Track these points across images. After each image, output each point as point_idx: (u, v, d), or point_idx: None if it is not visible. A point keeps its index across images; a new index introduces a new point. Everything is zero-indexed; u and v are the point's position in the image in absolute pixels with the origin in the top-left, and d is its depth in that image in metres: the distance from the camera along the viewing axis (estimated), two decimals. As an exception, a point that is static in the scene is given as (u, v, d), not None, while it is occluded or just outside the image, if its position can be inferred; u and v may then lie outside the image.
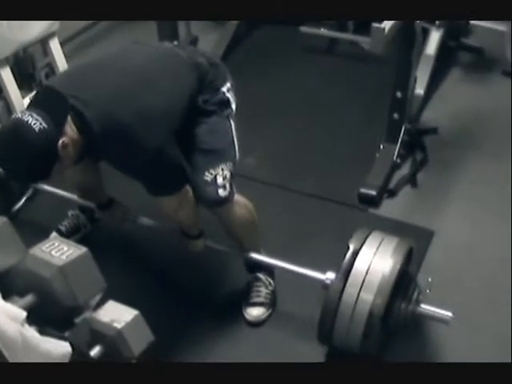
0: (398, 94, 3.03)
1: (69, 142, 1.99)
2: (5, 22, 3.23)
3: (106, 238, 2.89)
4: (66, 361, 1.61)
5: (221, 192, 2.28)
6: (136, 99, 2.10)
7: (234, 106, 2.39)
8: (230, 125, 2.37)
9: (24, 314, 1.60)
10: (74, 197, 2.78)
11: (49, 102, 2.05)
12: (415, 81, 3.17)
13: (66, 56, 3.73)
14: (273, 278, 2.59)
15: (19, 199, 3.08)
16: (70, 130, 2.01)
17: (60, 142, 1.97)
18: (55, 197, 2.85)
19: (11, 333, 1.52)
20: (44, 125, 1.93)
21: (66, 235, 2.77)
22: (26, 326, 1.59)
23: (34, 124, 1.92)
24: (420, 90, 3.40)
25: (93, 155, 2.27)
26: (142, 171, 2.17)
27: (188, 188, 2.29)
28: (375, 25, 2.61)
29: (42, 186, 2.89)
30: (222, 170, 2.29)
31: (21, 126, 1.94)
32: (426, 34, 3.61)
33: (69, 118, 2.01)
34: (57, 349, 1.60)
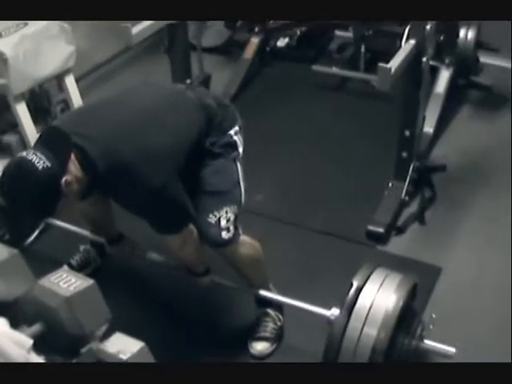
0: (406, 133, 3.07)
1: (72, 180, 2.04)
2: (21, 58, 3.32)
3: (116, 272, 2.91)
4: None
5: (224, 234, 2.30)
6: (140, 137, 2.13)
7: (241, 149, 2.42)
8: (237, 167, 2.40)
9: (30, 341, 1.62)
10: (85, 232, 2.81)
11: (52, 141, 2.10)
12: (424, 119, 3.21)
13: (80, 92, 3.81)
14: (282, 314, 2.61)
15: (32, 233, 3.12)
16: (74, 167, 2.05)
17: (63, 179, 2.01)
18: (67, 231, 2.88)
19: (17, 359, 1.55)
20: (47, 163, 1.98)
21: (77, 269, 2.80)
22: (33, 353, 1.62)
23: (38, 162, 1.97)
24: (429, 129, 3.43)
25: (99, 190, 2.30)
26: (146, 209, 2.19)
27: (192, 227, 2.32)
28: (382, 64, 2.66)
29: (54, 221, 2.92)
30: (226, 212, 2.31)
31: (25, 165, 1.99)
32: (435, 72, 3.65)
33: (73, 155, 2.05)
34: (62, 377, 1.62)
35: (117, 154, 2.08)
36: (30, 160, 1.98)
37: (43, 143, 2.09)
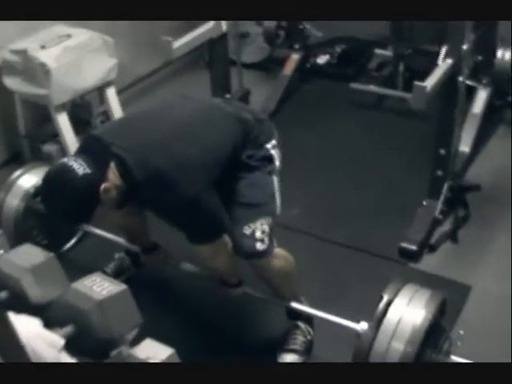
0: (441, 151, 3.07)
1: (111, 187, 2.09)
2: (63, 70, 3.40)
3: (149, 281, 2.96)
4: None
5: (258, 245, 2.32)
6: (176, 148, 2.19)
7: (277, 163, 2.45)
8: (272, 180, 2.42)
9: (62, 341, 1.68)
10: (121, 240, 2.87)
11: (92, 149, 2.17)
12: (459, 138, 3.21)
13: (121, 104, 3.88)
14: (312, 327, 2.62)
15: (69, 239, 3.19)
16: (113, 175, 2.11)
17: (102, 186, 2.07)
18: (103, 239, 2.94)
19: (49, 358, 1.61)
20: (87, 170, 2.04)
21: (111, 277, 2.84)
22: (63, 353, 1.66)
23: (78, 169, 2.03)
24: (465, 148, 3.43)
25: (134, 201, 2.34)
26: (179, 218, 2.24)
27: (225, 238, 2.35)
28: (417, 82, 2.68)
29: (91, 229, 2.99)
30: (261, 224, 2.33)
31: (66, 170, 2.06)
32: (472, 92, 3.65)
33: (112, 164, 2.11)
34: (91, 378, 1.66)
35: (153, 163, 2.13)
36: (71, 166, 2.04)
37: (84, 151, 2.15)
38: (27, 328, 1.66)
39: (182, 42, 3.40)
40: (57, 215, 2.22)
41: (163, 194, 2.15)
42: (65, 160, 2.12)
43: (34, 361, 1.57)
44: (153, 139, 2.19)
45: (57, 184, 2.10)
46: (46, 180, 2.16)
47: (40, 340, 1.63)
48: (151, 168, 2.12)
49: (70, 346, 1.74)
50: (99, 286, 1.87)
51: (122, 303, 1.87)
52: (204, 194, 2.19)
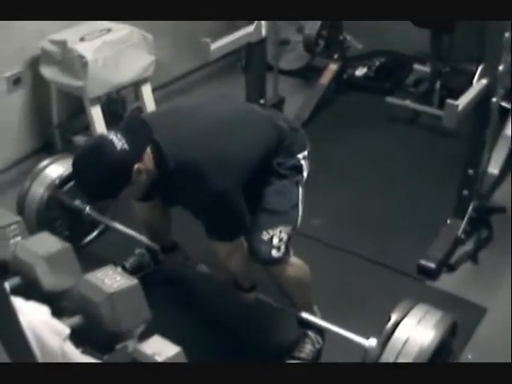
0: (470, 171, 3.04)
1: (143, 169, 2.11)
2: (100, 63, 3.44)
3: (167, 279, 2.98)
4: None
5: (274, 252, 2.33)
6: (212, 143, 2.21)
7: (305, 174, 2.46)
8: (298, 191, 2.44)
9: (67, 330, 1.70)
10: (142, 237, 2.88)
11: (134, 128, 2.20)
12: (489, 160, 3.19)
13: (155, 102, 3.91)
14: (322, 337, 2.62)
15: (91, 232, 3.22)
16: (148, 159, 2.14)
17: (136, 166, 2.08)
18: (125, 235, 2.96)
19: (52, 345, 1.63)
20: (126, 146, 2.06)
21: (130, 272, 2.87)
22: (68, 342, 1.68)
23: (117, 143, 2.05)
24: (494, 170, 3.39)
25: (162, 190, 2.35)
26: (204, 212, 2.26)
27: (243, 241, 2.37)
28: (450, 100, 2.67)
29: (113, 224, 3.02)
30: (280, 231, 2.34)
31: (104, 142, 2.08)
32: (505, 113, 3.61)
33: (149, 149, 2.14)
34: (93, 369, 1.68)
35: (189, 154, 2.16)
36: (111, 139, 2.07)
37: (125, 129, 2.17)
38: (34, 314, 1.69)
39: (220, 44, 3.40)
40: (86, 185, 2.18)
41: (193, 186, 2.17)
42: (105, 133, 2.15)
43: (37, 348, 1.60)
44: (192, 132, 2.23)
45: (93, 153, 2.11)
46: (83, 149, 2.18)
47: (45, 327, 1.65)
48: (187, 159, 2.15)
49: (76, 336, 1.77)
50: (111, 280, 1.89)
51: (132, 298, 1.89)
52: (232, 192, 2.21)
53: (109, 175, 2.08)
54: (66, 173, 2.95)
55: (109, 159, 2.06)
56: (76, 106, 3.79)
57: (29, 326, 1.61)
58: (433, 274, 2.99)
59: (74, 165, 2.17)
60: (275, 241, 2.33)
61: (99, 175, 2.08)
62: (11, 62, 3.58)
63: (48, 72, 3.62)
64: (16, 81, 3.65)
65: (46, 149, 3.85)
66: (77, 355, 1.67)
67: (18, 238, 2.17)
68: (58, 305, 1.91)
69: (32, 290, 1.94)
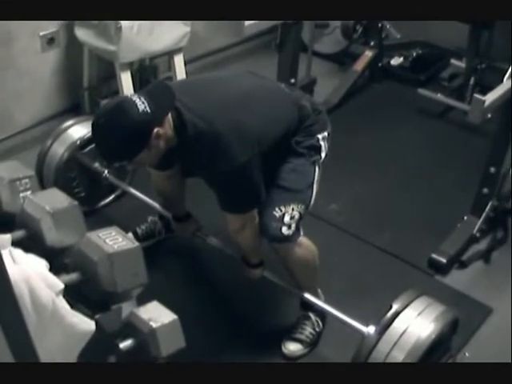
0: (492, 169, 3.01)
1: (163, 135, 2.12)
2: (135, 29, 3.44)
3: (176, 248, 3.01)
4: (88, 338, 1.70)
5: (284, 230, 2.33)
6: (235, 114, 2.22)
7: (323, 155, 2.45)
8: (314, 170, 2.43)
9: (61, 285, 1.71)
10: (156, 205, 2.89)
11: (158, 93, 2.19)
12: (512, 159, 3.15)
13: (187, 74, 3.90)
14: (323, 321, 2.62)
15: (107, 196, 3.25)
16: (168, 125, 2.14)
17: (155, 130, 2.09)
18: (140, 202, 2.97)
19: (44, 298, 1.65)
20: (147, 109, 2.06)
21: (141, 238, 2.91)
22: (61, 296, 1.70)
23: (140, 105, 2.05)
24: (517, 170, 3.34)
25: (180, 159, 2.38)
26: (221, 182, 2.27)
27: (255, 214, 2.37)
28: (477, 95, 2.63)
29: (129, 189, 3.04)
30: (293, 209, 2.34)
31: (127, 102, 2.08)
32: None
33: (170, 115, 2.15)
34: (81, 324, 1.70)
35: (210, 122, 2.16)
36: (134, 100, 2.07)
37: (149, 93, 2.16)
38: (31, 265, 1.71)
39: (254, 21, 3.38)
40: (103, 143, 2.18)
41: (213, 155, 2.18)
42: (129, 95, 2.15)
43: (28, 299, 1.62)
44: (215, 102, 2.23)
45: (115, 112, 2.10)
46: (105, 107, 2.18)
47: (40, 279, 1.67)
48: (208, 128, 2.15)
49: (71, 293, 1.78)
50: (112, 240, 1.89)
51: (131, 260, 1.89)
52: (251, 165, 2.21)
53: (127, 135, 2.08)
54: (88, 134, 2.96)
55: (129, 119, 2.06)
56: (107, 71, 3.80)
57: (23, 277, 1.64)
58: (443, 269, 2.97)
59: (93, 122, 2.17)
60: (286, 218, 2.33)
61: (117, 134, 2.08)
62: (46, 22, 3.60)
63: (82, 34, 3.63)
64: (50, 40, 3.68)
65: (74, 110, 3.87)
66: (67, 311, 1.68)
67: (29, 193, 2.18)
68: (59, 261, 1.92)
69: (35, 244, 1.95)
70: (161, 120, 2.11)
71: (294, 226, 2.35)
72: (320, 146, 2.44)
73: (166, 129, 2.13)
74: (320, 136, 2.44)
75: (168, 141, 2.16)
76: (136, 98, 2.08)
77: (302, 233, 2.43)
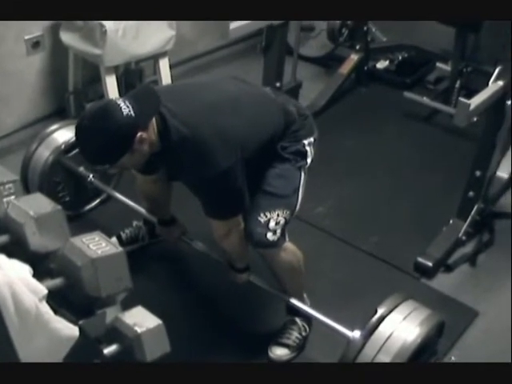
0: (477, 173, 3.02)
1: (146, 138, 2.11)
2: (120, 33, 3.43)
3: (161, 253, 3.00)
4: (71, 343, 1.69)
5: (269, 235, 2.32)
6: (219, 119, 2.21)
7: (309, 160, 2.45)
8: (300, 176, 2.43)
9: (45, 290, 1.69)
10: (141, 210, 2.88)
11: (143, 97, 2.18)
12: (499, 164, 3.15)
13: (173, 77, 3.89)
14: (309, 325, 2.61)
15: (92, 201, 3.23)
16: (152, 130, 2.14)
17: (139, 134, 2.07)
18: (125, 206, 2.95)
19: (27, 304, 1.62)
20: (132, 113, 2.05)
21: (125, 243, 2.91)
22: (44, 302, 1.68)
23: (124, 109, 2.05)
24: (503, 174, 3.34)
25: (164, 165, 2.37)
26: (204, 188, 2.26)
27: (240, 220, 2.36)
28: (462, 99, 2.64)
29: (114, 193, 3.03)
30: (278, 215, 2.33)
31: (111, 106, 2.07)
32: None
33: (154, 120, 2.14)
34: (65, 330, 1.68)
35: (194, 128, 2.16)
36: (118, 104, 2.06)
37: (134, 97, 2.16)
38: (14, 271, 1.69)
39: (239, 24, 3.37)
40: (86, 146, 2.16)
41: (196, 161, 2.17)
42: (114, 98, 2.15)
43: (11, 305, 1.60)
44: (199, 108, 2.23)
45: (99, 114, 2.09)
46: (90, 109, 2.16)
47: (23, 285, 1.65)
48: (192, 132, 2.15)
49: (54, 298, 1.77)
50: (96, 245, 1.88)
51: (115, 265, 1.87)
52: (234, 170, 2.21)
53: (110, 138, 2.06)
54: (74, 139, 2.93)
55: (113, 122, 2.05)
56: (92, 74, 3.78)
57: (6, 282, 1.62)
58: (429, 273, 2.97)
59: (77, 124, 2.16)
60: (272, 224, 2.32)
61: (101, 137, 2.07)
62: (31, 26, 3.58)
63: (67, 38, 3.62)
64: (35, 44, 3.66)
65: (59, 113, 3.86)
66: (50, 316, 1.67)
67: (12, 197, 2.16)
68: (43, 266, 1.90)
69: (18, 249, 1.93)
70: (145, 124, 2.10)
71: (279, 231, 2.34)
72: (306, 152, 2.44)
73: (149, 133, 2.13)
74: (306, 141, 2.43)
75: (151, 145, 2.15)
76: (121, 102, 2.07)
77: (287, 238, 2.43)
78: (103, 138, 2.07)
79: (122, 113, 2.04)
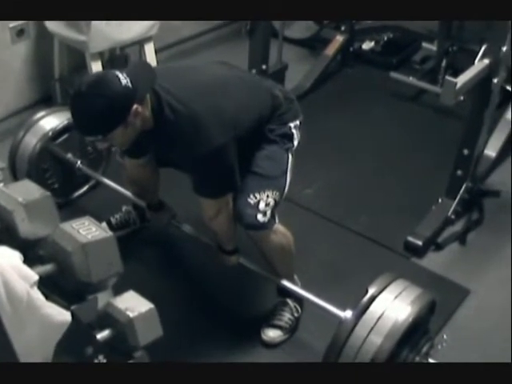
0: (465, 151, 3.03)
1: (141, 113, 2.10)
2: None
3: (151, 237, 3.00)
4: (64, 329, 1.69)
5: (260, 217, 2.32)
6: (212, 98, 2.23)
7: (295, 142, 2.47)
8: (288, 157, 2.44)
9: (36, 277, 1.69)
10: (129, 194, 2.87)
11: (140, 71, 2.20)
12: (486, 142, 3.16)
13: (159, 62, 3.88)
14: (301, 306, 2.62)
15: (81, 187, 3.22)
16: (146, 105, 2.14)
17: (135, 106, 2.07)
18: (114, 192, 2.95)
19: (19, 290, 1.62)
20: (130, 84, 2.05)
21: (115, 228, 2.90)
22: (35, 288, 1.68)
23: (122, 80, 2.04)
24: (491, 152, 3.36)
25: (155, 143, 2.36)
26: (196, 165, 2.26)
27: (230, 200, 2.36)
28: (448, 78, 2.64)
29: (103, 179, 3.03)
30: (268, 196, 2.34)
31: (110, 76, 2.07)
32: (508, 97, 3.56)
33: (148, 96, 2.14)
34: (57, 316, 1.68)
35: (188, 105, 2.17)
36: (117, 75, 2.06)
37: (131, 71, 2.15)
38: (4, 258, 1.68)
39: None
40: (81, 113, 2.12)
41: (191, 137, 2.17)
42: (112, 70, 2.13)
43: (3, 292, 1.60)
44: (193, 86, 2.25)
45: (97, 82, 2.08)
46: (86, 78, 2.14)
47: (14, 271, 1.64)
48: (186, 110, 2.16)
49: (46, 284, 1.76)
50: (86, 230, 1.87)
51: (105, 250, 1.87)
52: (227, 148, 2.22)
53: (107, 106, 2.05)
54: (61, 125, 2.95)
55: (111, 90, 2.04)
56: (78, 61, 3.76)
57: (-3, 269, 1.61)
58: (419, 252, 2.99)
59: (74, 92, 2.14)
60: (261, 205, 2.32)
61: (97, 104, 2.05)
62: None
63: (52, 25, 3.60)
64: (20, 32, 3.64)
65: (45, 101, 3.85)
66: (42, 302, 1.66)
67: (1, 185, 2.15)
68: (33, 253, 1.90)
69: (8, 237, 1.93)
70: (141, 97, 2.11)
71: (269, 212, 2.34)
72: (292, 134, 2.46)
73: (144, 108, 2.13)
74: (292, 124, 2.46)
75: (145, 121, 2.16)
76: (119, 73, 2.07)
77: (277, 220, 2.43)
78: (100, 106, 2.05)
79: (121, 83, 2.04)
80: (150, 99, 2.16)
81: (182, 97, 2.19)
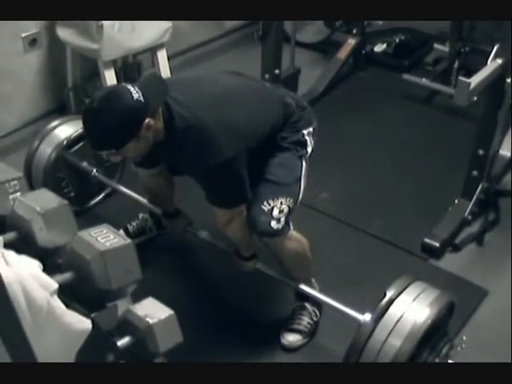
0: (480, 152, 3.01)
1: (153, 126, 2.12)
2: (116, 27, 3.42)
3: (168, 244, 3.00)
4: (84, 337, 1.69)
5: (273, 224, 2.31)
6: (223, 110, 2.23)
7: (309, 149, 2.47)
8: (301, 165, 2.44)
9: (56, 285, 1.69)
10: (146, 201, 2.88)
11: (152, 85, 2.21)
12: (501, 142, 3.14)
13: (171, 69, 3.89)
14: (319, 310, 2.61)
15: (97, 195, 3.23)
16: (158, 118, 2.15)
17: (147, 120, 2.08)
18: (130, 199, 2.96)
19: (39, 299, 1.62)
20: (141, 98, 2.06)
21: (133, 235, 2.90)
22: (55, 296, 1.69)
23: (134, 94, 2.06)
24: (507, 152, 3.34)
25: (167, 155, 2.38)
26: (207, 176, 2.27)
27: (243, 208, 2.36)
28: (462, 78, 2.63)
29: (119, 187, 3.03)
30: (281, 203, 2.33)
31: (122, 90, 2.09)
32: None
33: (160, 108, 2.15)
34: (78, 323, 1.68)
35: (199, 116, 2.18)
36: (129, 89, 2.07)
37: (143, 84, 2.18)
38: (24, 267, 1.69)
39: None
40: (94, 127, 2.13)
41: (201, 148, 2.18)
42: (123, 83, 2.15)
43: (23, 301, 1.60)
44: (204, 98, 2.25)
45: (109, 97, 2.10)
46: (99, 93, 2.15)
47: (34, 280, 1.65)
48: (197, 121, 2.17)
49: (65, 292, 1.77)
50: (104, 238, 1.88)
51: (124, 257, 1.87)
52: (238, 159, 2.22)
53: (119, 121, 2.07)
54: (75, 134, 2.97)
55: (123, 105, 2.06)
56: (91, 69, 3.78)
57: (17, 278, 1.62)
58: (436, 253, 2.98)
59: (86, 106, 2.16)
60: (275, 212, 2.32)
61: (110, 118, 2.07)
62: (28, 23, 3.57)
63: (64, 34, 3.61)
64: (32, 41, 3.65)
65: (59, 110, 3.85)
66: (62, 310, 1.67)
67: (18, 194, 2.16)
68: (52, 261, 1.91)
69: (27, 246, 1.94)
70: (153, 111, 2.12)
71: (283, 219, 2.34)
72: (305, 141, 2.45)
73: (156, 121, 2.14)
74: (305, 131, 2.45)
75: (156, 134, 2.17)
76: (131, 87, 2.08)
77: (291, 227, 2.42)
78: (112, 120, 2.07)
79: (132, 97, 2.05)
80: (162, 111, 2.17)
81: (192, 109, 2.19)
